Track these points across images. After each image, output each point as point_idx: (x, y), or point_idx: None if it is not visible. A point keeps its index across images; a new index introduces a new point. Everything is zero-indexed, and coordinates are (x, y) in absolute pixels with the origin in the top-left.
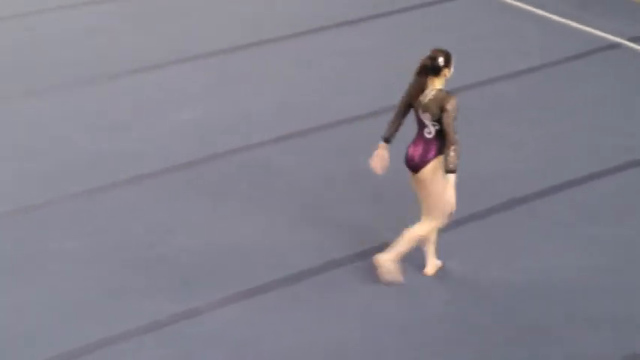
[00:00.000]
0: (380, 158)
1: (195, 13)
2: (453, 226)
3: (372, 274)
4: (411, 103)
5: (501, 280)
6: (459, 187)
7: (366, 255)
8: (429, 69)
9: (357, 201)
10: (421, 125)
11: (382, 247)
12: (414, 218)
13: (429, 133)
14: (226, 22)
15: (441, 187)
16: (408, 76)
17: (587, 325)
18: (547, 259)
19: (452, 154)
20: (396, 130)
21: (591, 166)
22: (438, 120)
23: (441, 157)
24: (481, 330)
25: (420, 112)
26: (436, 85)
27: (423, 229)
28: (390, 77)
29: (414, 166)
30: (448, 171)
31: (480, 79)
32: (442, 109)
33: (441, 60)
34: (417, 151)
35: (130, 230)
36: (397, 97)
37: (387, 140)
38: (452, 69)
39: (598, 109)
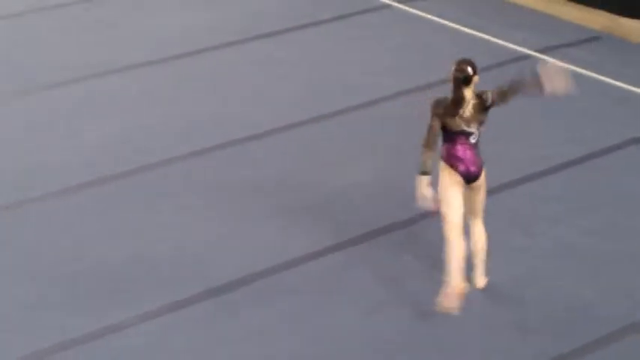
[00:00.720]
0: (428, 194)
1: (121, 25)
2: (368, 237)
3: (292, 282)
4: (444, 125)
5: (419, 292)
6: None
7: (289, 265)
8: (461, 81)
9: (282, 212)
10: (465, 135)
11: (298, 261)
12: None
13: (475, 138)
14: (149, 35)
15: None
16: (326, 87)
17: (516, 335)
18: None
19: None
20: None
21: (509, 174)
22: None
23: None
24: (402, 341)
25: (464, 126)
26: (469, 91)
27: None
28: (309, 89)
29: (477, 176)
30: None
31: (397, 90)
32: (487, 100)
33: (469, 70)
34: (476, 162)
35: (57, 243)
36: (316, 108)
37: (427, 173)
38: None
39: (510, 119)
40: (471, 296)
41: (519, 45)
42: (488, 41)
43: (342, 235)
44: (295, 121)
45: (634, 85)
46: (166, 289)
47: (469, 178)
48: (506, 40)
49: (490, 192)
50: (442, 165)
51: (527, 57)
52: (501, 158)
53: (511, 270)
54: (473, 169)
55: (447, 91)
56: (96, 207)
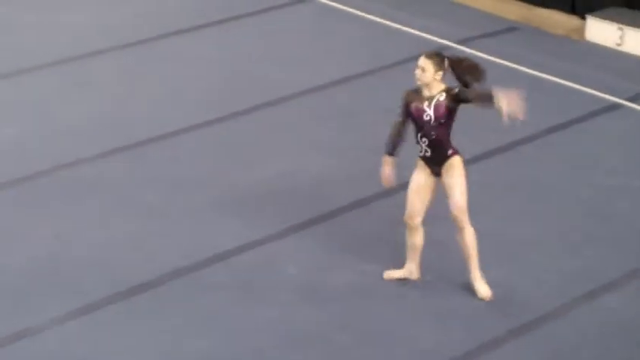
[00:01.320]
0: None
1: (17, 28)
2: (292, 231)
3: (213, 279)
4: None
5: (349, 284)
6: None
7: (201, 266)
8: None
9: (201, 209)
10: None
11: (216, 258)
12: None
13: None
14: (50, 36)
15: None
16: (243, 84)
17: (436, 319)
18: (393, 258)
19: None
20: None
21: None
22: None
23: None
24: (320, 334)
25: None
26: (441, 86)
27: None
28: (225, 85)
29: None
30: None
31: (314, 84)
32: (456, 93)
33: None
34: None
35: None
36: (232, 104)
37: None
38: (441, 72)
39: None
40: (394, 285)
41: (438, 36)
42: (407, 33)
43: (265, 230)
44: (211, 119)
45: (550, 74)
46: (79, 291)
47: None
48: (425, 32)
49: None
50: None
51: (446, 48)
52: None
53: (426, 256)
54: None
55: (366, 85)
56: None
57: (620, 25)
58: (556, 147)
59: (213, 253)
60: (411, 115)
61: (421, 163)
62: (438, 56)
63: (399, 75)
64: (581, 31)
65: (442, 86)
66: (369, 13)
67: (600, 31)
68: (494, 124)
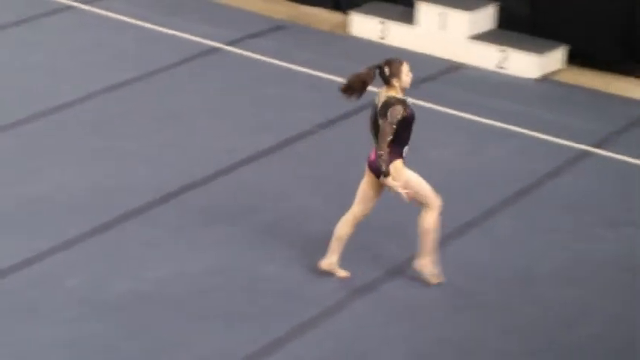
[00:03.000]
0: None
1: None
2: (69, 244)
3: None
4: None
5: (130, 292)
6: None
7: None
8: (381, 77)
9: None
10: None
11: None
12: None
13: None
14: None
15: (414, 178)
16: (7, 96)
17: (223, 322)
18: (173, 264)
19: (379, 160)
20: None
21: (204, 169)
22: None
23: (395, 161)
24: (107, 345)
25: (378, 118)
26: (390, 93)
27: (428, 218)
28: None
29: (376, 173)
30: (384, 175)
31: (81, 94)
32: (384, 114)
33: (387, 70)
34: (376, 159)
35: None
36: None
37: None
38: (404, 77)
39: (203, 113)
40: (176, 291)
41: (206, 38)
42: (174, 37)
43: (41, 244)
44: None
45: (320, 71)
46: None
47: (372, 170)
48: (193, 34)
49: (189, 186)
50: None
51: (215, 50)
52: (195, 152)
53: (207, 259)
54: (373, 164)
55: (136, 91)
56: None
57: (382, 19)
58: (330, 141)
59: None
60: (409, 121)
61: (402, 162)
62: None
63: (169, 81)
64: (345, 26)
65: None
66: (136, 19)
67: (363, 25)
68: (267, 124)
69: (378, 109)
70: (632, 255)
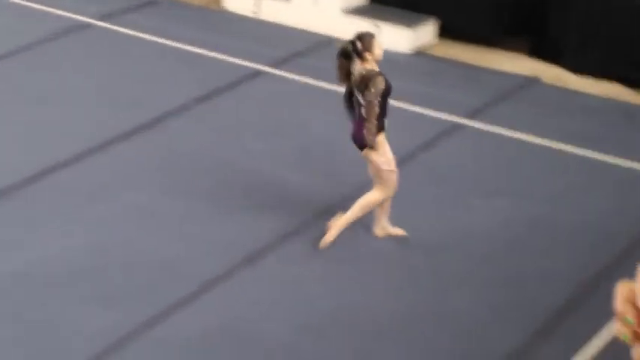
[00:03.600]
0: None
1: None
2: None
3: None
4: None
5: (4, 274)
6: None
7: None
8: (350, 53)
9: None
10: (358, 105)
11: None
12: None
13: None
14: None
15: (390, 157)
16: None
17: (102, 302)
18: (49, 244)
19: (365, 131)
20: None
21: (78, 147)
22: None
23: (380, 133)
24: None
25: (355, 92)
26: (366, 65)
27: (375, 196)
28: None
29: (359, 145)
30: (370, 147)
31: None
32: (366, 87)
33: (359, 45)
34: (359, 132)
35: None
36: None
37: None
38: (377, 50)
39: (76, 91)
40: (60, 273)
41: (77, 14)
42: (44, 12)
43: None
44: None
45: (194, 46)
46: None
47: (356, 144)
48: (64, 10)
49: (63, 164)
50: None
51: (87, 26)
52: (69, 129)
53: (83, 238)
54: (355, 138)
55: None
56: None
57: None
58: (206, 117)
59: None
60: (389, 93)
61: (383, 136)
62: None
63: (37, 56)
64: (219, 1)
65: None
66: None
67: (237, 0)
68: (138, 101)
69: (356, 83)
70: (505, 226)
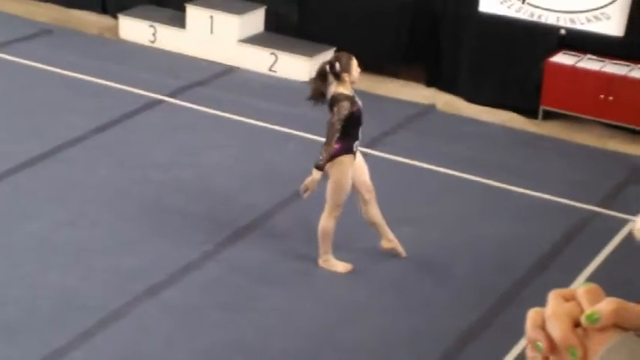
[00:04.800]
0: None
1: None
2: None
3: None
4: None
5: None
6: None
7: None
8: (326, 74)
9: None
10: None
11: None
12: None
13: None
14: None
15: (345, 183)
16: None
17: (0, 336)
18: None
19: (323, 152)
20: None
21: None
22: None
23: (342, 156)
24: None
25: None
26: (339, 89)
27: (324, 219)
28: None
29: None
30: (316, 166)
31: None
32: (331, 110)
33: (337, 66)
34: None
35: None
36: None
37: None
38: (354, 72)
39: None
40: None
41: None
42: None
43: None
44: None
45: (90, 75)
46: None
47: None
48: None
49: None
50: None
51: None
52: None
53: None
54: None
55: None
56: None
57: (152, 23)
58: (104, 147)
59: None
60: (357, 117)
61: (351, 159)
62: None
63: None
64: (115, 30)
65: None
66: None
67: (133, 29)
68: (36, 131)
69: (328, 104)
70: (408, 250)
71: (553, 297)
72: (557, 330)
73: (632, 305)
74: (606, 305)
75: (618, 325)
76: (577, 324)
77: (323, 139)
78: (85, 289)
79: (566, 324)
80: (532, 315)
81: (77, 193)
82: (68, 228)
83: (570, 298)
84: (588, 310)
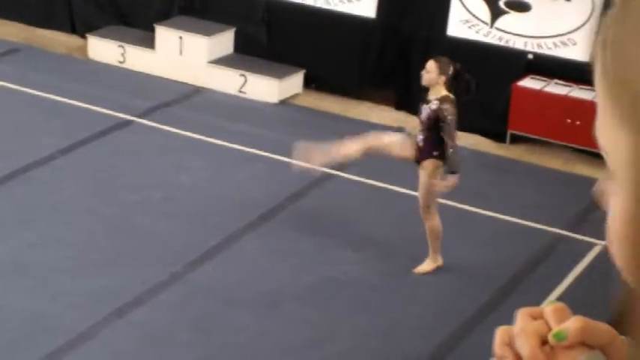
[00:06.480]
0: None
1: None
2: None
3: None
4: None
5: None
6: None
7: None
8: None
9: None
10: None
11: None
12: None
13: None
14: None
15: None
16: None
17: None
18: None
19: (452, 154)
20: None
21: None
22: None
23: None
24: None
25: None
26: (443, 91)
27: (433, 218)
28: None
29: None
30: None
31: None
32: (440, 109)
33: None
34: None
35: None
36: None
37: None
38: (444, 76)
39: None
40: None
41: None
42: None
43: None
44: None
45: (58, 95)
46: None
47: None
48: None
49: None
50: None
51: None
52: None
53: None
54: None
55: None
56: None
57: (121, 43)
58: (72, 167)
59: None
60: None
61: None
62: (445, 61)
63: None
64: (84, 50)
65: (442, 93)
66: None
67: (102, 49)
68: (6, 151)
69: (440, 118)
70: (375, 274)
71: (521, 315)
72: (526, 348)
73: (598, 323)
74: (573, 323)
75: (585, 342)
76: (544, 342)
77: (287, 160)
78: (53, 310)
79: (534, 342)
80: (500, 333)
81: (45, 214)
82: (34, 250)
83: (538, 316)
84: (555, 328)
